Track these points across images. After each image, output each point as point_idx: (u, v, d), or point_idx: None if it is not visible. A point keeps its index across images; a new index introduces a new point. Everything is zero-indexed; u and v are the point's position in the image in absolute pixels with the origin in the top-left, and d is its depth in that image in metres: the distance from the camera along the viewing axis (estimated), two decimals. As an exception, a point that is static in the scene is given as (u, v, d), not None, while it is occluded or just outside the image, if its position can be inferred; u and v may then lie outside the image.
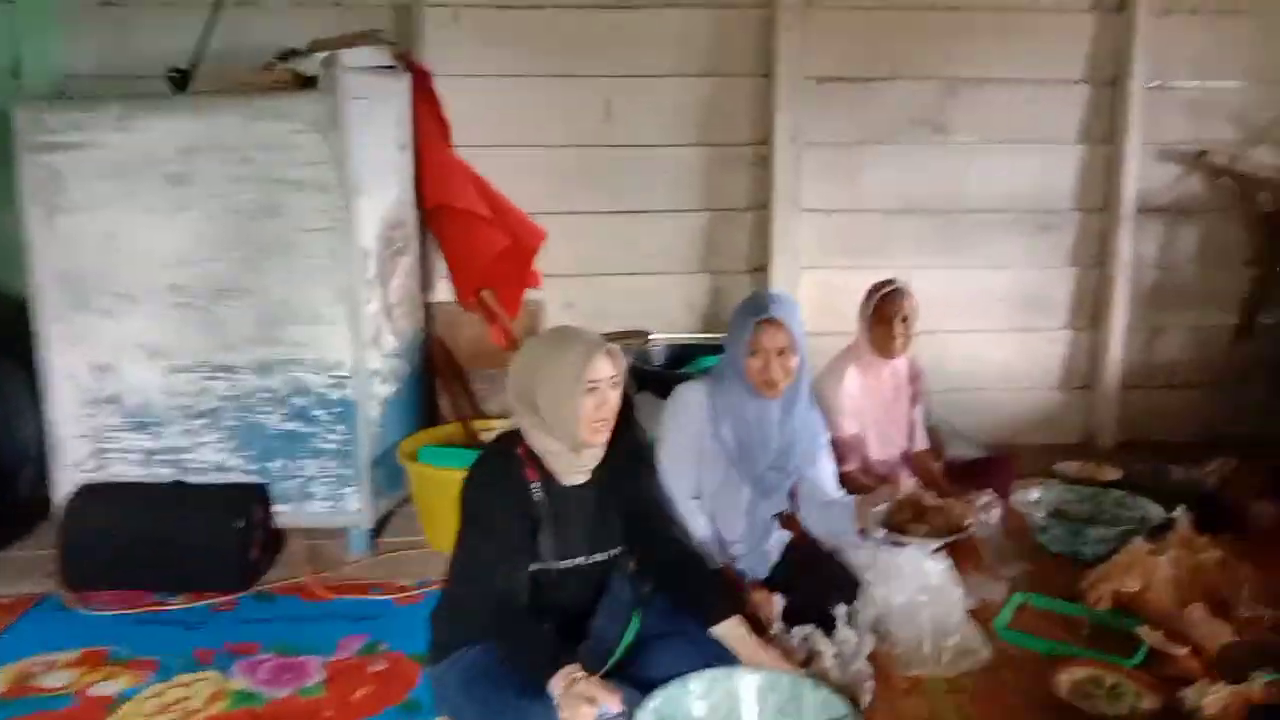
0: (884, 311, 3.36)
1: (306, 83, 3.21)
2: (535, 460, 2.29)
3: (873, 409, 3.47)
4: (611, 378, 2.26)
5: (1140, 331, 4.55)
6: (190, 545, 3.11)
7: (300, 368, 3.27)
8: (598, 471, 2.37)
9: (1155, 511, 3.40)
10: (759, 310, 2.73)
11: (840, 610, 2.63)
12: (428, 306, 4.01)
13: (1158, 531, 3.24)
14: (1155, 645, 2.71)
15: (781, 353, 2.72)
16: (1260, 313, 4.53)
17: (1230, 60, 4.35)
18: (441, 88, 3.92)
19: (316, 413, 3.30)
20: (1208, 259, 4.53)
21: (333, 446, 3.32)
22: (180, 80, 3.40)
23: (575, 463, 2.31)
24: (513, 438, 2.32)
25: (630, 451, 2.47)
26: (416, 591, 3.13)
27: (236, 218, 3.19)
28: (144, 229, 3.20)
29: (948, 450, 3.86)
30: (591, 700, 1.98)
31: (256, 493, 3.28)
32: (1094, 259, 4.48)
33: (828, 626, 2.62)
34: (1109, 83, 4.31)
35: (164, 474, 3.33)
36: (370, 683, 2.63)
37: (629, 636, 2.37)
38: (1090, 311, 4.54)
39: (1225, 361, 4.62)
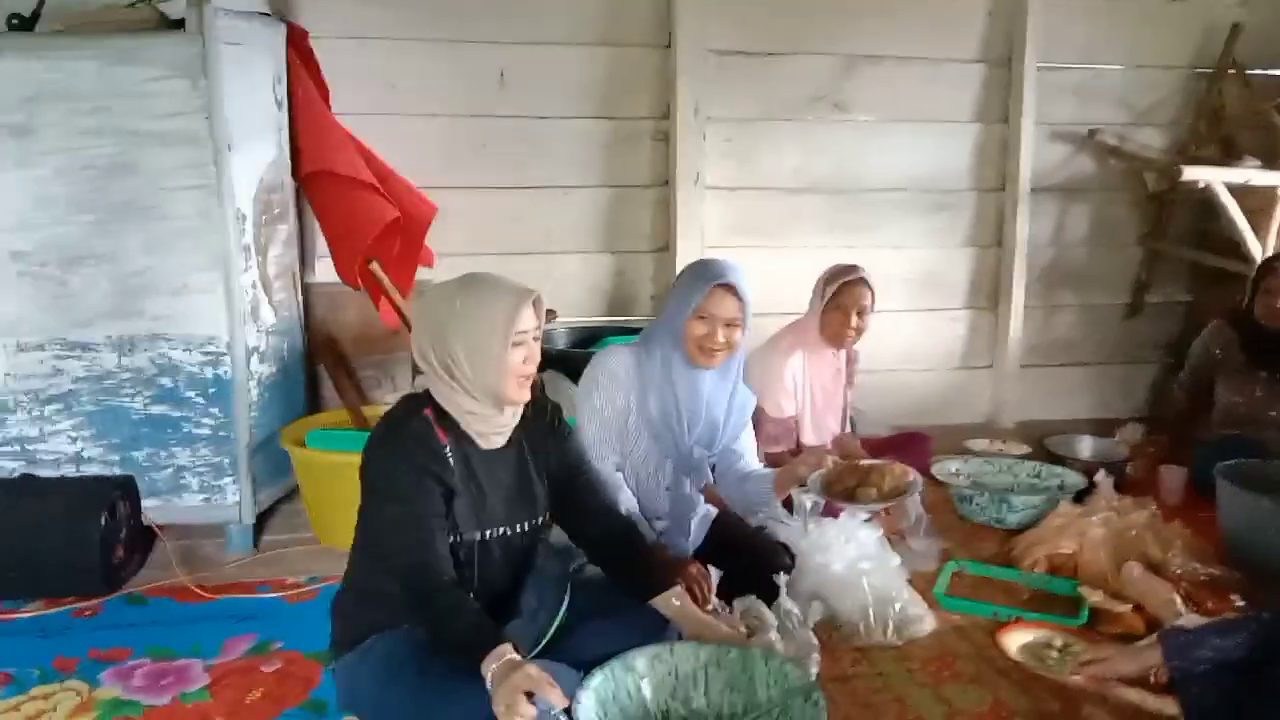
0: (843, 300, 3.20)
1: (171, 26, 2.88)
2: (447, 422, 2.04)
3: (812, 394, 3.32)
4: (537, 328, 2.07)
5: (1037, 310, 4.58)
6: (45, 546, 2.70)
7: (168, 344, 2.92)
8: (515, 434, 2.14)
9: (1073, 479, 3.38)
10: (716, 275, 2.54)
11: (781, 578, 2.45)
12: (305, 289, 3.69)
13: (1081, 497, 3.21)
14: (1098, 605, 2.64)
15: (729, 324, 2.56)
16: (1149, 291, 4.63)
17: (1113, 45, 4.44)
18: (319, 50, 3.62)
19: (188, 394, 2.95)
20: (1098, 239, 4.61)
21: (206, 432, 2.98)
22: (23, 27, 3.00)
23: (496, 422, 2.08)
24: (419, 400, 2.07)
25: (546, 412, 2.26)
26: (310, 588, 2.81)
27: (89, 175, 2.82)
28: (-20, 188, 2.81)
29: (858, 432, 3.77)
30: (530, 693, 1.74)
31: (121, 485, 2.89)
32: (991, 238, 4.49)
33: (766, 599, 2.46)
34: (1002, 63, 4.33)
35: (8, 468, 2.92)
36: (264, 684, 2.32)
37: (560, 615, 2.14)
38: (989, 291, 4.54)
39: (1117, 340, 4.69)
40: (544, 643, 2.09)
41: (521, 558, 2.16)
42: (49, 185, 2.81)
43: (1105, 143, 4.35)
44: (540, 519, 2.19)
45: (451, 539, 2.01)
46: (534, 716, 1.72)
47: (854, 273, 3.21)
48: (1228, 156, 4.25)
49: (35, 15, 3.00)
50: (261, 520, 3.21)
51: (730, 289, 2.53)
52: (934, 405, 4.56)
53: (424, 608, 1.92)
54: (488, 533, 2.07)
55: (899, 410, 4.40)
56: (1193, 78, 4.50)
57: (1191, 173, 3.94)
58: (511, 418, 2.11)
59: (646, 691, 2.04)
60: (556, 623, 2.12)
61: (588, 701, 1.92)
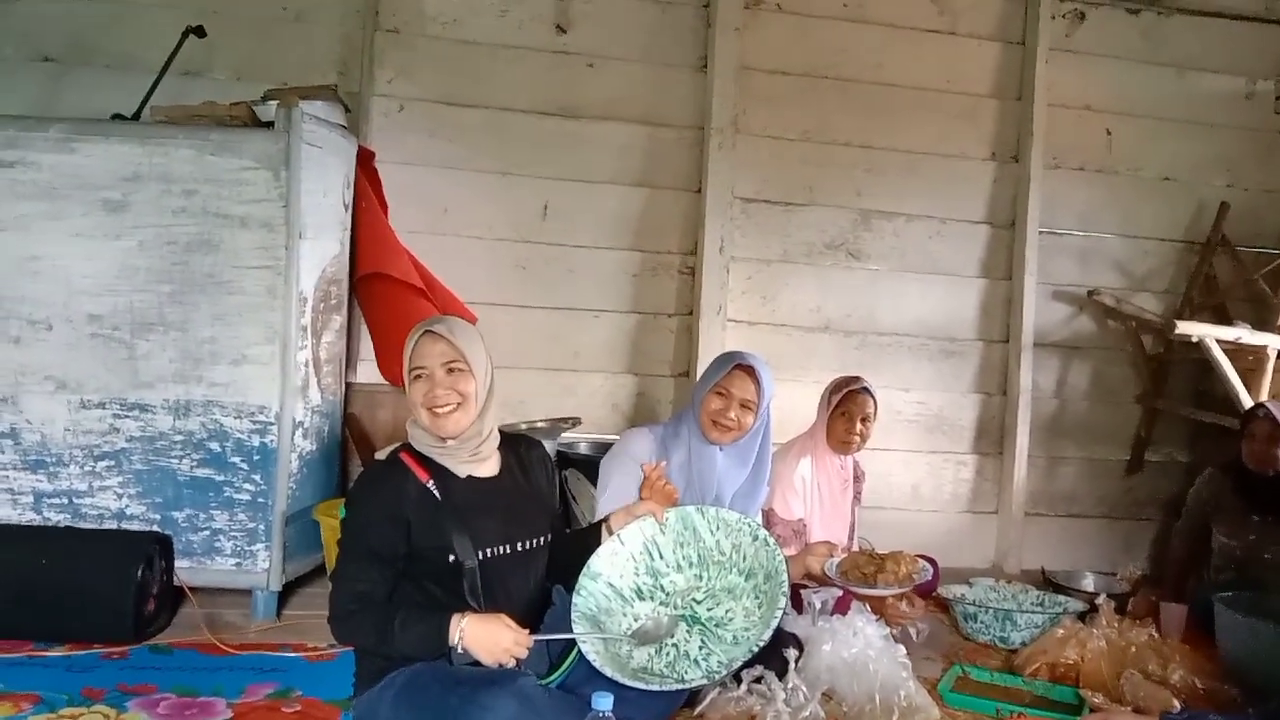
0: (848, 408, 3.41)
1: (262, 125, 3.21)
2: (423, 460, 2.19)
3: (820, 499, 3.48)
4: (446, 363, 2.14)
5: (1040, 460, 4.73)
6: (81, 590, 2.81)
7: (221, 410, 3.11)
8: (507, 462, 2.30)
9: (1075, 605, 3.45)
10: (739, 358, 2.82)
11: (791, 653, 2.54)
12: (346, 387, 3.89)
13: (1083, 618, 3.28)
14: (1099, 706, 2.69)
15: (744, 404, 2.78)
16: (1149, 449, 4.79)
17: (1111, 215, 4.79)
18: (383, 171, 3.97)
19: (233, 459, 3.11)
20: (1099, 395, 4.81)
21: (245, 497, 3.12)
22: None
23: (451, 450, 2.19)
24: (396, 449, 2.26)
25: (534, 446, 2.42)
26: (331, 650, 2.88)
27: (171, 250, 3.09)
28: (70, 254, 3.07)
29: (865, 557, 3.87)
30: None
31: (159, 541, 3.01)
32: (996, 387, 4.70)
33: (777, 673, 2.53)
34: (1006, 225, 4.67)
35: (55, 520, 3.06)
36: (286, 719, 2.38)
37: (575, 655, 2.22)
38: (994, 438, 4.71)
39: (1119, 495, 4.82)
40: (558, 676, 2.19)
41: (534, 578, 2.29)
42: (134, 256, 3.07)
43: (1104, 303, 4.62)
44: (541, 539, 2.30)
45: (451, 560, 2.12)
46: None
47: (857, 382, 3.42)
48: (1220, 323, 4.50)
49: (137, 114, 3.35)
50: (285, 595, 3.30)
51: (750, 372, 2.75)
52: (940, 547, 4.60)
53: (371, 622, 2.06)
54: (487, 551, 2.17)
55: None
56: (1186, 250, 4.82)
57: (1185, 327, 4.19)
58: (467, 446, 2.18)
59: (615, 583, 2.30)
60: (570, 661, 2.21)
61: (583, 624, 2.19)
